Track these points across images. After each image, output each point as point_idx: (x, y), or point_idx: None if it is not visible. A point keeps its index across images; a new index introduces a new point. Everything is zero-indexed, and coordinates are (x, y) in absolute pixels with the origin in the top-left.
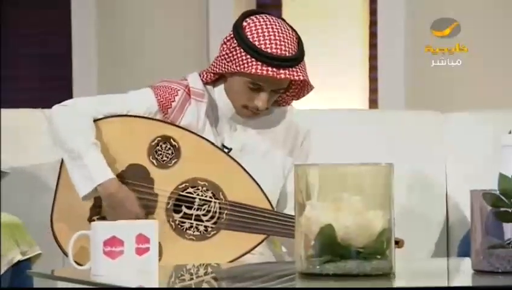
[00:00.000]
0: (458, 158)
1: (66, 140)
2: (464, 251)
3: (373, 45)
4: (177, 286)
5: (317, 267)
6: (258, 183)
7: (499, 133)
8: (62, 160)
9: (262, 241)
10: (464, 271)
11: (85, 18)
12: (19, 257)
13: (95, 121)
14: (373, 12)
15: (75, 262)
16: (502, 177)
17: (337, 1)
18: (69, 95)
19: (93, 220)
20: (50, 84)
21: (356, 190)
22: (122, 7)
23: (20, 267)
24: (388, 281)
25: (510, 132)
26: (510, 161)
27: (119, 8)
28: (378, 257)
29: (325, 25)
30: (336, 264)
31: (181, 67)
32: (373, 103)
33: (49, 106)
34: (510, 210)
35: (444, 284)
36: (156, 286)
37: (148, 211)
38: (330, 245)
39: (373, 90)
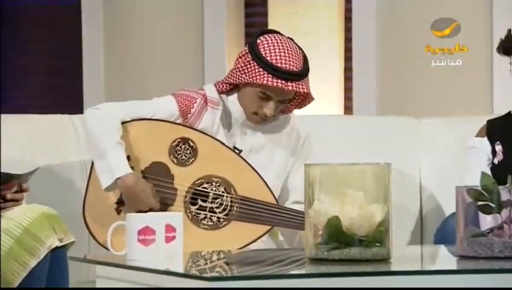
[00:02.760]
0: (430, 158)
1: (95, 138)
2: (440, 239)
3: (348, 58)
4: (193, 270)
5: (325, 253)
6: (264, 180)
7: (466, 136)
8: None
9: (267, 231)
10: (448, 257)
11: (94, 33)
12: (57, 243)
13: (124, 123)
14: (348, 30)
15: (102, 246)
16: (484, 175)
17: (316, 20)
18: (79, 102)
19: (120, 211)
20: (62, 92)
21: (359, 186)
22: (127, 23)
23: (57, 253)
24: (386, 265)
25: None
26: (475, 159)
27: (124, 24)
28: (378, 244)
29: (306, 41)
30: (341, 251)
31: (179, 72)
32: (348, 109)
33: (61, 112)
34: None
35: (435, 267)
36: (181, 269)
37: (168, 203)
38: (336, 234)
39: (348, 98)
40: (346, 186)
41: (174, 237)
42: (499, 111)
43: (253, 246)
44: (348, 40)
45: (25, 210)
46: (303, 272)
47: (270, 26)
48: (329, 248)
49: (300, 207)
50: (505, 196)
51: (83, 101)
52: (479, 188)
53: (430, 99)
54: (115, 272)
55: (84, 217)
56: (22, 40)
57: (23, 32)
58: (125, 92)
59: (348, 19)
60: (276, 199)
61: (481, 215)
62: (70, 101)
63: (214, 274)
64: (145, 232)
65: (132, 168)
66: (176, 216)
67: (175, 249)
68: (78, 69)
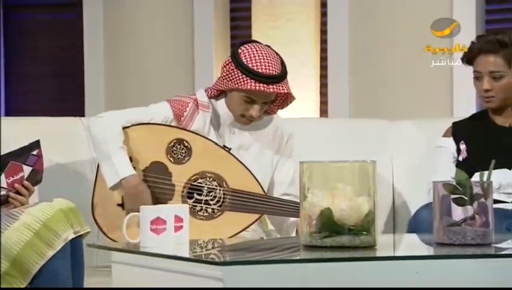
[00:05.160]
0: (402, 155)
1: (100, 144)
2: (413, 228)
3: (323, 67)
4: (202, 256)
5: (318, 241)
6: (253, 174)
7: (434, 136)
8: None
9: (257, 219)
10: (426, 244)
11: (94, 42)
12: (72, 236)
13: (125, 128)
14: (323, 41)
15: (108, 237)
16: (458, 172)
17: (295, 33)
18: (81, 105)
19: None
20: (66, 96)
21: (348, 181)
22: (125, 34)
23: (74, 243)
24: (373, 251)
25: None
26: (441, 158)
27: (122, 35)
28: (365, 233)
29: (286, 51)
30: (332, 239)
31: (172, 79)
32: (323, 112)
33: (64, 114)
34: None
35: (416, 253)
36: (190, 255)
37: (167, 198)
38: (328, 224)
39: (323, 102)
40: (336, 181)
41: (181, 227)
42: None
43: (246, 235)
44: (323, 50)
45: (45, 207)
46: (299, 257)
47: (253, 38)
48: (322, 236)
49: (288, 198)
50: (475, 189)
51: (85, 104)
52: (454, 182)
53: (401, 102)
54: (129, 257)
55: (92, 212)
56: (28, 49)
57: (29, 42)
58: (124, 96)
59: (323, 32)
60: (264, 190)
61: (453, 206)
62: (73, 104)
63: (225, 259)
64: (157, 223)
65: (134, 168)
66: (183, 208)
67: (182, 238)
68: (80, 74)
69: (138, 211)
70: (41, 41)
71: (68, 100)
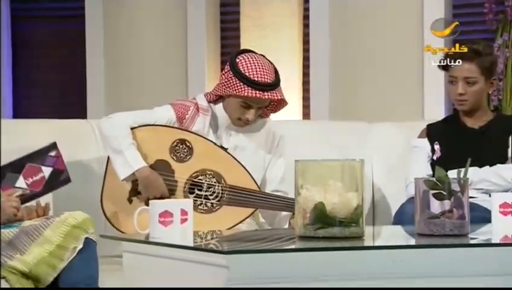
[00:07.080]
0: (381, 155)
1: (111, 142)
2: (398, 220)
3: (306, 74)
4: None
5: (312, 232)
6: (248, 172)
7: (409, 137)
8: (108, 157)
9: (252, 213)
10: (409, 234)
11: (96, 51)
12: (81, 246)
13: (132, 128)
14: (306, 50)
15: (116, 228)
16: (438, 169)
17: (280, 42)
18: (83, 109)
19: (131, 200)
20: (69, 100)
21: (339, 177)
22: (124, 45)
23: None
24: (361, 241)
25: None
26: (417, 157)
27: (122, 45)
28: (354, 224)
29: (271, 59)
30: (325, 230)
31: (166, 84)
32: (305, 115)
33: (69, 117)
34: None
35: (399, 243)
36: (191, 244)
37: (171, 193)
38: (321, 216)
39: (305, 106)
40: (328, 178)
41: (186, 219)
42: None
43: (242, 227)
44: (305, 58)
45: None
46: (295, 247)
47: (242, 46)
48: (315, 227)
49: (279, 194)
50: (453, 185)
51: (86, 108)
52: (434, 179)
53: (375, 105)
54: (140, 247)
55: (102, 206)
56: (34, 57)
57: (36, 51)
58: (123, 101)
59: (306, 42)
60: (258, 186)
61: (432, 201)
62: (75, 108)
63: (229, 248)
64: (165, 215)
65: None
66: (187, 202)
67: (187, 229)
68: (82, 81)
69: (155, 198)
70: (46, 50)
71: (71, 104)
